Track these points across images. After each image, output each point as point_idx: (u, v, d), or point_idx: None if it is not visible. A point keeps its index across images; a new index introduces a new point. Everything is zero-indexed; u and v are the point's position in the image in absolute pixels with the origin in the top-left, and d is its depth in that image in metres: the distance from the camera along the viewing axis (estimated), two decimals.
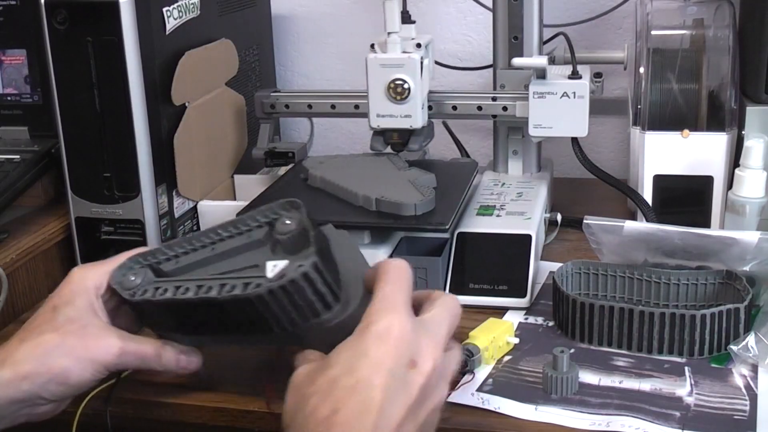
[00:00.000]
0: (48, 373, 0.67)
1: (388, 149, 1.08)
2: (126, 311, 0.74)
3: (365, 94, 1.05)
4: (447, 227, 0.90)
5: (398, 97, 1.01)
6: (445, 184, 0.99)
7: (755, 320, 0.82)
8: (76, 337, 0.69)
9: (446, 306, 0.64)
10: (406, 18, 1.02)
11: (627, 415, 0.71)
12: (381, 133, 1.06)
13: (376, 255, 0.91)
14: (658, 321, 0.79)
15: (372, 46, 1.02)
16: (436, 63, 1.34)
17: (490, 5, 1.13)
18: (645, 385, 0.76)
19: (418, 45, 1.02)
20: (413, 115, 1.02)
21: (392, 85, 1.01)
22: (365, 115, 1.07)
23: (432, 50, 1.07)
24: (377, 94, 1.02)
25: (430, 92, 1.06)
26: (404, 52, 1.01)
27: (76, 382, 0.69)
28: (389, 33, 1.01)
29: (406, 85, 1.01)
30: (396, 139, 1.06)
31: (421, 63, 1.01)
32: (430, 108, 1.07)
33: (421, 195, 0.93)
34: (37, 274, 1.02)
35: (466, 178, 1.04)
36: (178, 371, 0.74)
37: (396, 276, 0.62)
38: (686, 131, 1.00)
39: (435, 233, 0.92)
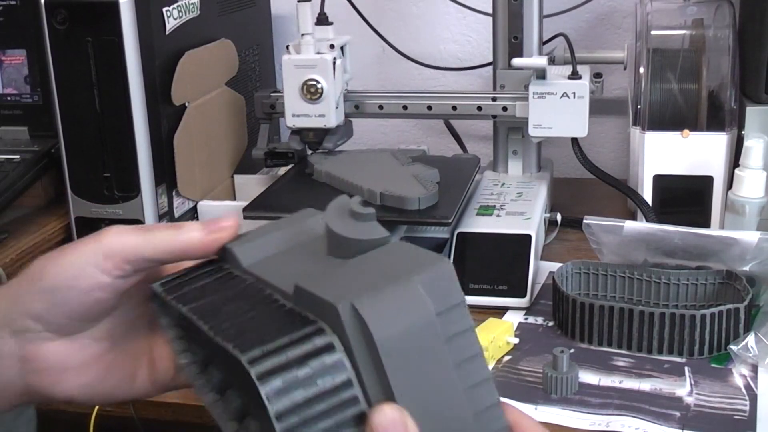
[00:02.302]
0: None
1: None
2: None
3: (365, 93, 1.04)
4: (450, 221, 0.90)
5: (312, 97, 1.03)
6: (447, 179, 0.99)
7: (755, 320, 0.82)
8: None
9: None
10: (323, 20, 1.04)
11: (627, 415, 0.71)
12: (297, 132, 1.09)
13: None
14: (658, 321, 0.79)
15: (287, 47, 1.04)
16: (434, 67, 1.35)
17: (487, 10, 1.13)
18: (645, 385, 0.76)
19: (331, 46, 1.04)
20: (327, 114, 1.04)
21: (306, 86, 1.02)
22: (366, 115, 1.07)
23: (349, 51, 1.08)
24: (292, 94, 1.04)
25: (432, 92, 1.06)
26: (318, 53, 1.03)
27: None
28: (302, 34, 1.02)
29: (319, 86, 1.02)
30: (312, 138, 1.09)
31: (334, 63, 1.03)
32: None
33: (424, 189, 0.93)
34: None
35: (469, 173, 1.05)
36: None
37: None
38: (686, 131, 1.00)
39: (438, 226, 0.92)
